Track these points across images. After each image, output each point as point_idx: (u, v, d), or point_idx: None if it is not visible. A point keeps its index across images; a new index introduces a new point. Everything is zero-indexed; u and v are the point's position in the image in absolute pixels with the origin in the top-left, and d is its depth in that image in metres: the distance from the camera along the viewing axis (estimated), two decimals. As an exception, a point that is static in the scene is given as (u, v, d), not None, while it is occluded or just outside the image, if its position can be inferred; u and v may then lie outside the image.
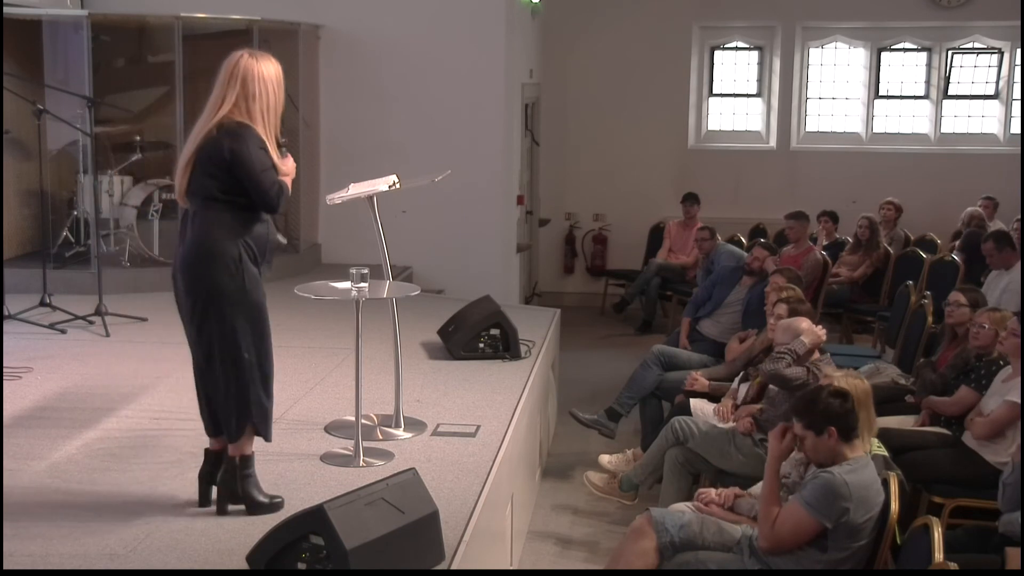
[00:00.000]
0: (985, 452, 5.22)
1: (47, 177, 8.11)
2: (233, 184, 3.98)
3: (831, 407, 4.08)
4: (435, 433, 5.22)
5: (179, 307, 4.15)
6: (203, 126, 3.99)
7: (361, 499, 3.59)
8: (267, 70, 4.04)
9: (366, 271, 4.70)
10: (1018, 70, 11.93)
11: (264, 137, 4.03)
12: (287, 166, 4.15)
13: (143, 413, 5.42)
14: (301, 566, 3.47)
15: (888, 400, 6.15)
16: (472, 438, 5.16)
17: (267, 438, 4.21)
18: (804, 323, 5.51)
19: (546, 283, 12.16)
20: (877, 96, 12.32)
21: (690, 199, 10.96)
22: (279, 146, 4.14)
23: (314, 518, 3.46)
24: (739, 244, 9.86)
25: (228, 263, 3.99)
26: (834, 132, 12.40)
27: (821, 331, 5.48)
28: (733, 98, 12.45)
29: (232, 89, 3.98)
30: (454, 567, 3.85)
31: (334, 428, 5.24)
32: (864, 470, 4.07)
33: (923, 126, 12.31)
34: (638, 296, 10.81)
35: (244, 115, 3.99)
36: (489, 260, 9.60)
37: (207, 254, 3.99)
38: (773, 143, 12.28)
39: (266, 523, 3.81)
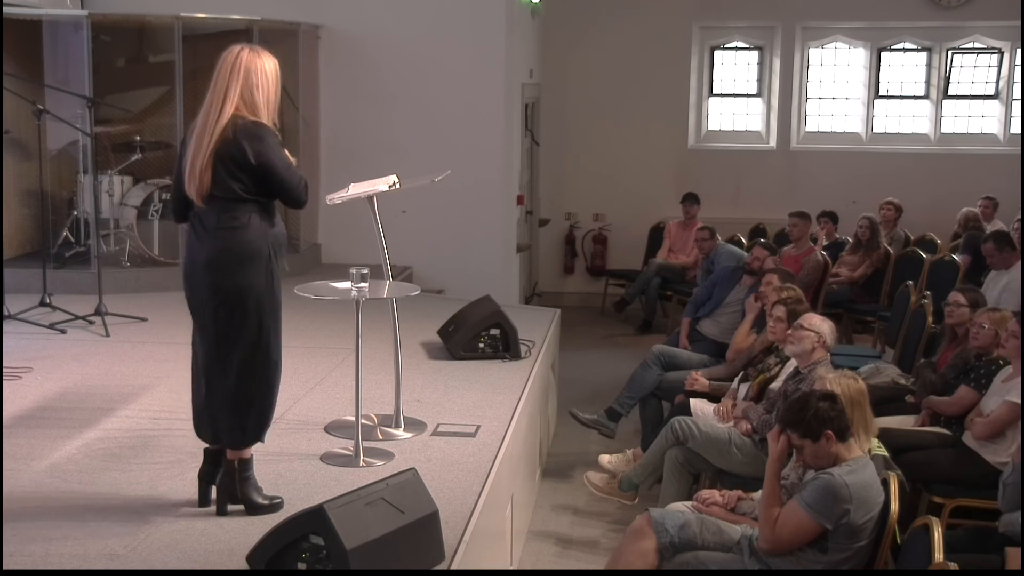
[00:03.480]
0: (985, 452, 5.22)
1: (47, 177, 8.10)
2: (258, 185, 3.99)
3: (822, 411, 4.07)
4: (435, 433, 5.22)
5: (192, 308, 4.11)
6: (213, 122, 3.95)
7: (361, 499, 3.60)
8: (267, 65, 4.05)
9: (366, 271, 4.70)
10: (1018, 70, 11.93)
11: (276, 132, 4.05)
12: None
13: (143, 413, 5.42)
14: (301, 566, 3.47)
15: (888, 400, 6.15)
16: (472, 438, 5.16)
17: (263, 439, 4.21)
18: (810, 332, 5.42)
19: (546, 283, 12.16)
20: (877, 96, 12.32)
21: (689, 199, 10.95)
22: None
23: (314, 518, 3.46)
24: (739, 244, 9.86)
25: (261, 263, 4.01)
26: (834, 132, 12.40)
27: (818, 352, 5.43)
28: (733, 98, 12.45)
29: (235, 81, 3.97)
30: (454, 567, 3.85)
31: (334, 428, 5.24)
32: (864, 470, 4.07)
33: (923, 126, 12.31)
34: (638, 296, 10.82)
35: (249, 108, 3.98)
36: (489, 260, 9.59)
37: (241, 255, 3.98)
38: (773, 143, 12.28)
39: (266, 523, 3.81)
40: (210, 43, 8.56)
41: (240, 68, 3.98)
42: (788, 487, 4.29)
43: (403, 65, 9.47)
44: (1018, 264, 7.70)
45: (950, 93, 12.24)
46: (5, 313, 6.90)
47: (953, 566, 3.43)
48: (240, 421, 4.09)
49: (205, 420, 4.18)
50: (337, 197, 5.14)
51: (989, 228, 9.58)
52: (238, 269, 3.99)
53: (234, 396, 4.06)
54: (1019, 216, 9.49)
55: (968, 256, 8.77)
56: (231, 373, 4.05)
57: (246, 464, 4.16)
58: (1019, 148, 11.50)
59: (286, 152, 4.10)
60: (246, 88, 3.98)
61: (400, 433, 5.19)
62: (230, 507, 4.15)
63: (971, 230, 9.55)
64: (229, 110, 3.95)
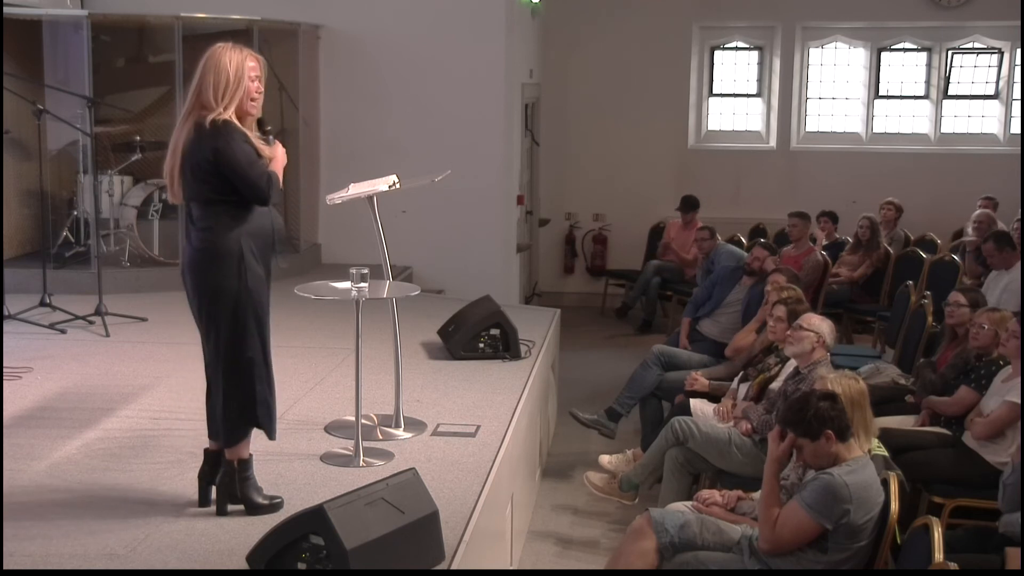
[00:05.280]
0: (985, 452, 5.22)
1: (47, 177, 8.10)
2: (224, 184, 3.97)
3: (822, 410, 4.07)
4: (435, 433, 5.22)
5: (190, 306, 4.16)
6: (179, 127, 4.00)
7: (361, 499, 3.60)
8: (224, 56, 4.00)
9: (366, 271, 4.70)
10: (1018, 70, 11.93)
11: (242, 128, 4.00)
12: (277, 151, 4.11)
13: (143, 413, 5.42)
14: (301, 566, 3.47)
15: (888, 400, 6.15)
16: (472, 438, 5.16)
17: (271, 436, 4.20)
18: (810, 332, 5.40)
19: (546, 283, 12.16)
20: (877, 96, 12.32)
21: (685, 206, 10.79)
22: (264, 133, 4.12)
23: (314, 518, 3.46)
24: (739, 244, 9.86)
25: (230, 263, 3.99)
26: (834, 132, 12.40)
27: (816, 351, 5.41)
28: (733, 98, 12.45)
29: (194, 84, 4.00)
30: (454, 567, 3.85)
31: (334, 428, 5.24)
32: (864, 470, 4.07)
33: (923, 126, 12.31)
34: (639, 299, 10.82)
35: (205, 106, 3.95)
36: (489, 260, 9.60)
37: (210, 255, 3.99)
38: (773, 143, 12.28)
39: (266, 523, 3.81)
40: (210, 43, 8.52)
41: (199, 68, 4.00)
42: (788, 487, 4.29)
43: (403, 65, 9.47)
44: (1018, 264, 7.69)
45: (950, 93, 12.24)
46: (5, 313, 6.90)
47: (953, 566, 3.43)
48: (223, 418, 4.10)
49: (210, 417, 4.22)
50: (337, 197, 5.14)
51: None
52: (208, 270, 4.01)
53: (217, 393, 4.10)
54: (1019, 216, 9.48)
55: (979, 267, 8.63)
56: (217, 369, 4.07)
57: (246, 464, 4.16)
58: (1019, 148, 11.51)
59: (259, 144, 4.02)
60: (202, 87, 3.98)
61: (400, 433, 5.19)
62: (230, 507, 4.15)
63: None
64: (193, 113, 3.98)
